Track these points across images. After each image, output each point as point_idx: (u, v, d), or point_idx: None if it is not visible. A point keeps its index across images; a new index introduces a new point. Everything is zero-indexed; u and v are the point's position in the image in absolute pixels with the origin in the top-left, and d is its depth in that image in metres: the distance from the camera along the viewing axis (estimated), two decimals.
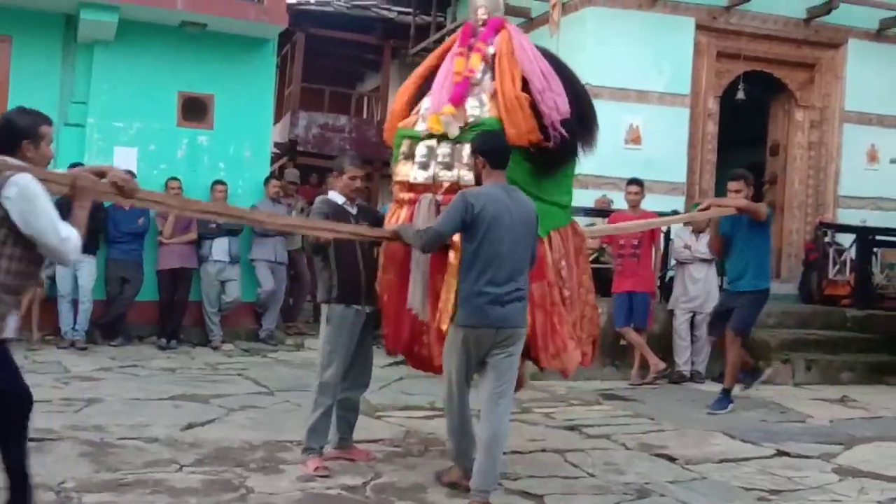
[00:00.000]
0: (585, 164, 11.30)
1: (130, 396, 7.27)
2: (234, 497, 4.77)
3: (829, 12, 11.94)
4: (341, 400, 5.53)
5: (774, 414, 7.89)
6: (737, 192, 7.72)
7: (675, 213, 9.86)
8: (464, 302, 4.74)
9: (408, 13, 15.87)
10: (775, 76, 12.38)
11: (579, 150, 5.59)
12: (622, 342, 9.38)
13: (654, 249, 9.29)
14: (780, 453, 6.37)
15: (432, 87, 5.52)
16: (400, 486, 5.07)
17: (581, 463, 5.79)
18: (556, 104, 5.20)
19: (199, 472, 5.18)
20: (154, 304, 10.40)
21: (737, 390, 8.03)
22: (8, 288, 3.78)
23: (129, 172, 10.08)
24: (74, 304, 9.86)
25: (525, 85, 5.22)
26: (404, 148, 5.49)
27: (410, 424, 6.67)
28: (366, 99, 18.94)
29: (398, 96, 5.88)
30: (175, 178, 10.50)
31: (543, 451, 6.07)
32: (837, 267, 11.59)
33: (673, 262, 9.91)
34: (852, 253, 11.49)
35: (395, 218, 5.44)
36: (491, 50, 5.42)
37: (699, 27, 11.76)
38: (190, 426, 6.30)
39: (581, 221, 10.31)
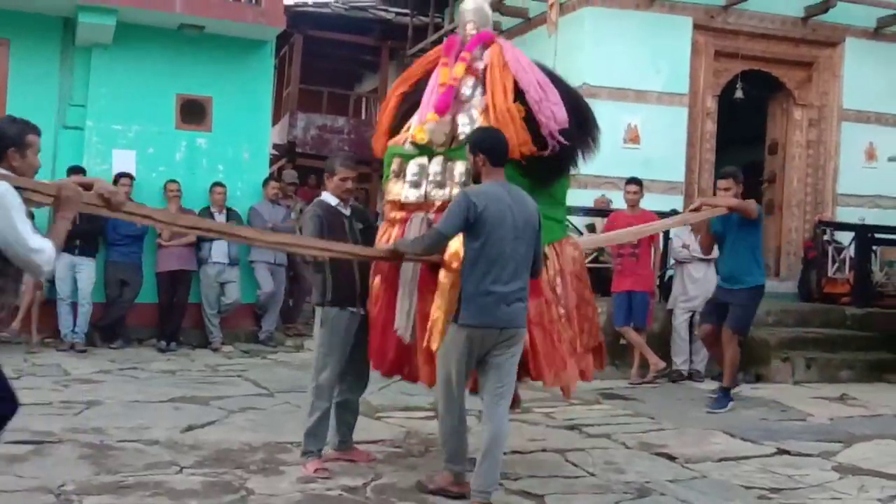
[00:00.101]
0: (584, 163, 11.40)
1: (130, 399, 7.27)
2: (234, 499, 4.77)
3: (826, 11, 11.95)
4: (340, 402, 5.53)
5: (774, 412, 7.89)
6: (726, 190, 7.72)
7: (673, 211, 9.86)
8: (468, 301, 4.68)
9: (405, 14, 15.88)
10: (773, 75, 12.39)
11: (579, 157, 5.52)
12: (622, 341, 9.38)
13: (653, 249, 9.30)
14: (781, 451, 6.37)
15: (420, 103, 5.47)
16: (400, 486, 5.07)
17: (581, 462, 5.79)
18: (554, 113, 5.15)
19: (199, 474, 5.18)
20: (153, 307, 10.40)
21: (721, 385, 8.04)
22: None
23: (128, 175, 10.27)
24: (74, 306, 9.86)
25: (518, 96, 5.16)
26: (395, 166, 5.44)
27: (411, 425, 6.67)
28: (364, 100, 18.97)
29: (384, 114, 5.78)
30: (174, 181, 10.52)
31: (544, 450, 6.07)
32: (836, 265, 11.59)
33: (672, 261, 9.91)
34: (851, 251, 11.49)
35: (386, 237, 5.38)
36: (481, 64, 5.36)
37: (697, 26, 11.77)
38: (190, 428, 6.30)
39: (580, 221, 10.44)
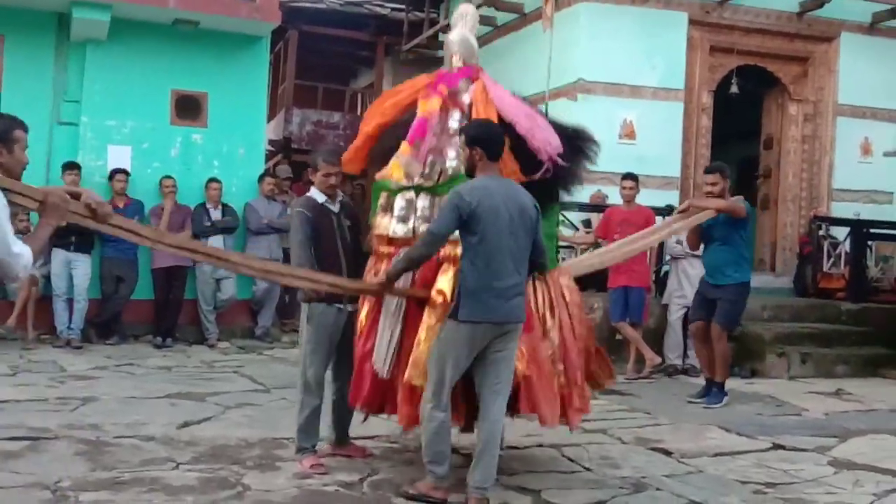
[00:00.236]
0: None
1: (126, 395, 7.27)
2: (230, 494, 4.77)
3: (821, 6, 11.97)
4: (336, 399, 5.52)
5: (770, 407, 7.91)
6: (713, 185, 7.71)
7: (668, 207, 9.87)
8: (467, 297, 4.62)
9: (401, 9, 15.84)
10: (768, 70, 12.41)
11: (572, 181, 5.48)
12: (618, 337, 9.40)
13: None
14: (776, 446, 6.38)
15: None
16: (397, 482, 5.07)
17: (577, 457, 5.80)
18: (548, 138, 5.13)
19: (195, 470, 5.18)
20: (149, 303, 10.39)
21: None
22: None
23: (124, 171, 10.26)
24: (70, 303, 9.86)
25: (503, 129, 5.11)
26: (382, 201, 5.39)
27: None
28: (359, 95, 18.89)
29: (361, 141, 5.68)
30: (169, 177, 10.51)
31: (540, 446, 6.07)
32: (832, 260, 11.61)
33: (668, 257, 9.93)
34: (847, 246, 11.51)
35: (374, 271, 5.30)
36: (467, 98, 5.33)
37: (692, 22, 11.78)
38: (186, 424, 6.30)
39: (575, 217, 10.44)
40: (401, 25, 15.61)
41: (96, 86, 10.62)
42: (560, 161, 5.13)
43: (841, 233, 11.63)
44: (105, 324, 10.23)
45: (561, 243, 10.12)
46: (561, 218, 10.10)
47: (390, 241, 5.26)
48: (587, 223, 10.52)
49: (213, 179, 10.70)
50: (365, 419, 5.51)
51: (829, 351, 9.79)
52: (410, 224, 5.15)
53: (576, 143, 5.43)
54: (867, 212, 12.15)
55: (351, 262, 5.39)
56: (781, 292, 11.83)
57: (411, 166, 5.18)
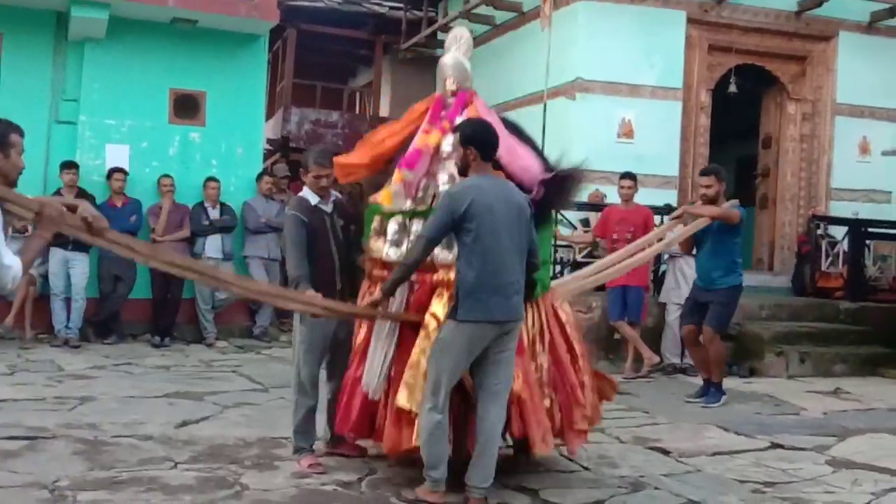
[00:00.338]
0: (578, 158, 11.39)
1: (124, 394, 7.26)
2: (228, 494, 4.76)
3: (820, 5, 11.98)
4: (331, 399, 5.50)
5: (768, 406, 7.91)
6: (707, 187, 7.71)
7: (667, 206, 9.88)
8: (466, 297, 4.59)
9: (399, 8, 15.84)
10: (767, 69, 12.42)
11: (560, 202, 5.47)
12: (616, 336, 9.41)
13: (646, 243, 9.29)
14: (774, 445, 6.38)
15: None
16: (395, 481, 5.07)
17: (576, 457, 5.79)
18: (527, 167, 5.14)
19: (193, 470, 5.18)
20: (147, 302, 10.38)
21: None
22: None
23: (122, 170, 10.24)
24: (67, 302, 9.85)
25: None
26: (375, 224, 5.38)
27: None
28: (358, 94, 18.90)
29: (365, 159, 5.65)
30: (168, 176, 10.51)
31: None
32: (830, 259, 11.62)
33: (665, 255, 9.92)
34: (845, 245, 11.51)
35: (368, 295, 5.28)
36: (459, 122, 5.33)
37: (690, 21, 11.78)
38: (184, 423, 6.29)
39: (574, 216, 10.44)
40: (399, 24, 15.61)
41: (95, 84, 10.61)
42: (538, 190, 5.12)
43: (839, 232, 11.64)
44: (103, 323, 10.22)
45: (560, 242, 10.15)
46: (559, 217, 10.12)
47: (384, 264, 5.25)
48: (585, 222, 10.51)
49: (211, 178, 10.69)
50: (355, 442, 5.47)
51: (828, 350, 9.79)
52: (403, 248, 5.12)
53: (559, 175, 5.38)
54: (865, 211, 12.16)
55: (344, 262, 5.39)
56: (780, 291, 11.85)
57: (399, 197, 5.18)
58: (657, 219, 9.34)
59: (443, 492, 4.71)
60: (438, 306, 4.86)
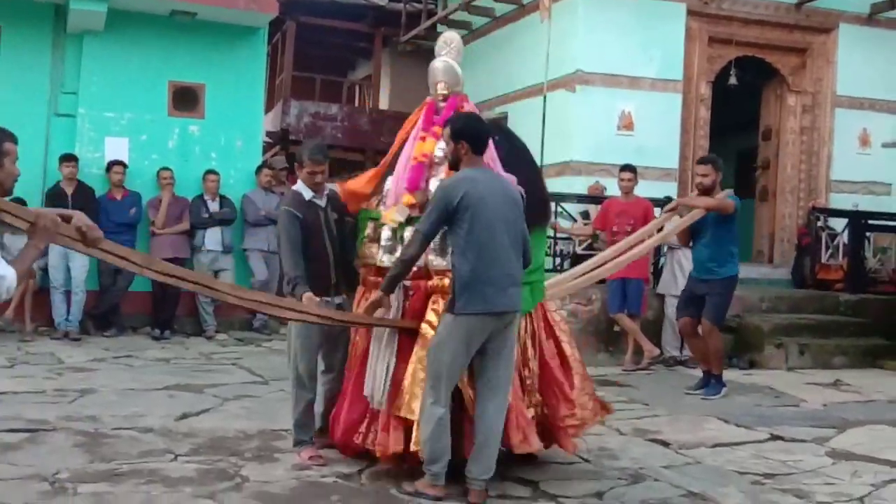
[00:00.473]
0: (578, 151, 11.47)
1: (124, 387, 7.26)
2: (229, 486, 4.77)
3: None
4: (326, 390, 5.49)
5: (768, 398, 7.92)
6: (704, 176, 7.72)
7: (667, 199, 9.87)
8: (463, 289, 4.57)
9: (399, 0, 15.83)
10: (767, 61, 12.40)
11: (535, 221, 5.45)
12: (616, 328, 9.41)
13: (646, 236, 9.28)
14: (774, 437, 6.39)
15: (395, 168, 5.42)
16: (395, 473, 5.06)
17: (576, 451, 5.79)
18: None
19: (193, 462, 5.18)
20: (147, 295, 10.37)
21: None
22: None
23: (121, 163, 10.23)
24: (67, 295, 9.85)
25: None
26: (369, 230, 5.40)
27: None
28: (357, 87, 18.91)
29: (369, 179, 5.68)
30: (167, 168, 10.50)
31: None
32: (830, 251, 11.61)
33: (664, 248, 9.92)
34: (845, 237, 11.51)
35: (363, 301, 5.28)
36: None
37: (690, 13, 11.76)
38: (184, 416, 6.29)
39: (573, 208, 10.44)
40: (398, 16, 15.60)
41: (93, 77, 10.60)
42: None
43: (839, 224, 11.63)
44: (103, 316, 10.22)
45: (560, 235, 10.15)
46: (559, 209, 10.13)
47: (378, 270, 5.26)
48: (585, 215, 10.51)
49: (210, 171, 10.69)
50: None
51: (828, 342, 9.80)
52: (397, 254, 5.12)
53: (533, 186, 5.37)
54: (865, 203, 12.15)
55: (339, 256, 5.39)
56: (780, 284, 11.85)
57: (403, 214, 5.18)
58: (657, 211, 9.32)
59: (442, 485, 4.71)
60: (434, 316, 4.86)
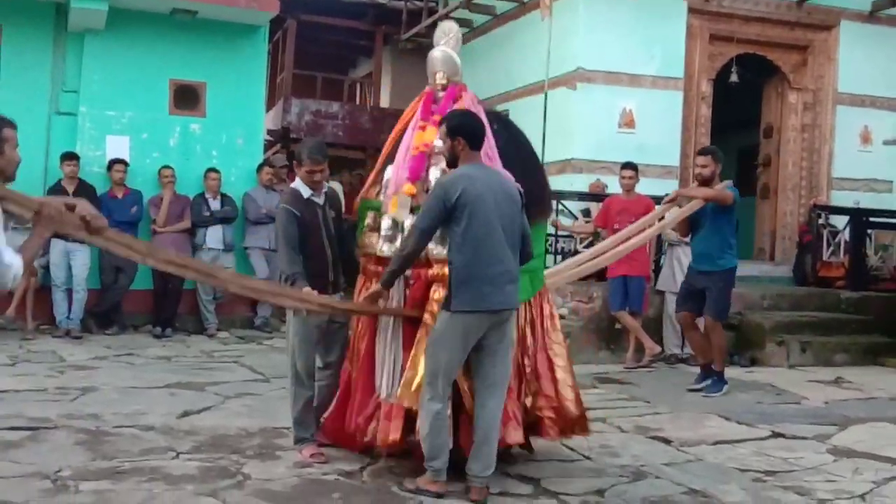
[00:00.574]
0: (579, 148, 11.46)
1: (126, 385, 7.27)
2: (230, 483, 4.77)
3: None
4: (322, 385, 5.49)
5: (769, 396, 7.92)
6: (704, 167, 7.76)
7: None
8: (459, 287, 4.59)
9: None
10: (768, 59, 12.39)
11: (534, 214, 5.44)
12: (617, 326, 9.41)
13: None
14: (775, 435, 6.39)
15: (396, 157, 5.42)
16: (397, 471, 5.08)
17: (577, 446, 5.79)
18: None
19: (195, 460, 5.19)
20: (149, 293, 10.39)
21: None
22: None
23: (122, 161, 10.24)
24: (69, 293, 9.85)
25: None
26: (369, 220, 5.40)
27: None
28: (358, 85, 18.88)
29: (372, 175, 5.70)
30: (168, 167, 10.50)
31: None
32: (831, 249, 11.61)
33: (665, 244, 9.92)
34: (846, 235, 11.51)
35: (364, 290, 5.29)
36: None
37: (691, 10, 11.76)
38: (186, 414, 6.30)
39: (575, 206, 10.44)
40: (399, 14, 15.58)
41: (95, 76, 10.60)
42: None
43: (840, 221, 11.63)
44: (104, 314, 10.23)
45: (561, 232, 10.15)
46: (560, 207, 10.13)
47: (378, 260, 5.26)
48: (586, 212, 10.51)
49: (211, 169, 10.69)
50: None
51: (829, 339, 9.79)
52: (397, 243, 5.12)
53: (528, 182, 5.36)
54: (867, 200, 12.16)
55: (336, 254, 5.40)
56: (781, 281, 11.85)
57: (402, 211, 5.17)
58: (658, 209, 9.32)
59: (444, 481, 4.71)
60: (435, 305, 4.86)
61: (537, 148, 6.40)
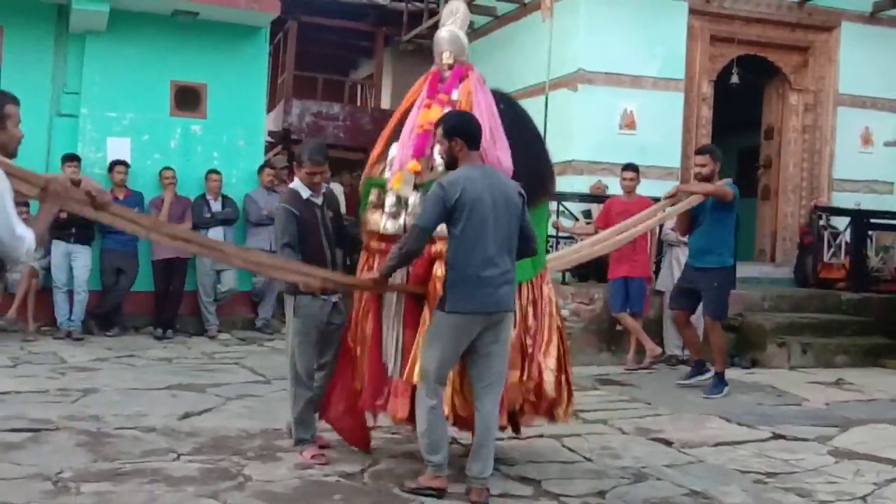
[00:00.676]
0: (580, 150, 11.46)
1: (127, 386, 7.27)
2: (231, 485, 4.78)
3: None
4: (317, 387, 5.50)
5: (770, 397, 7.92)
6: (702, 166, 7.79)
7: None
8: (453, 287, 4.63)
9: (400, 0, 15.81)
10: (769, 60, 12.38)
11: (538, 196, 5.38)
12: (618, 327, 9.40)
13: (649, 235, 9.29)
14: (776, 436, 6.39)
15: (401, 135, 5.42)
16: (397, 472, 5.08)
17: (578, 448, 5.80)
18: (499, 160, 5.09)
19: (196, 461, 5.19)
20: (150, 295, 10.39)
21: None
22: None
23: (123, 163, 10.24)
24: (70, 294, 9.86)
25: None
26: (373, 197, 5.40)
27: None
28: (359, 86, 18.87)
29: (376, 146, 5.71)
30: (169, 168, 10.50)
31: (541, 436, 6.07)
32: (832, 250, 11.61)
33: (665, 245, 9.91)
34: (847, 236, 11.50)
35: (367, 267, 5.32)
36: (455, 95, 5.33)
37: (692, 11, 11.74)
38: (187, 415, 6.30)
39: (576, 207, 10.44)
40: (400, 16, 15.58)
41: (96, 77, 10.60)
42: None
43: (841, 223, 11.63)
44: (105, 315, 10.23)
45: (561, 234, 10.15)
46: (561, 209, 10.12)
47: (381, 237, 5.27)
48: (587, 214, 10.51)
49: (212, 171, 10.70)
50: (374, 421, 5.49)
51: (830, 341, 9.79)
52: (401, 220, 5.15)
53: (531, 164, 5.35)
54: (867, 202, 12.14)
55: (335, 254, 5.45)
56: (782, 282, 11.85)
57: (406, 187, 5.17)
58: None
59: (445, 476, 4.74)
60: (439, 283, 4.86)
61: None
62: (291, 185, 5.57)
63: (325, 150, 5.57)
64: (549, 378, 5.24)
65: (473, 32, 13.43)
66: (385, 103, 17.09)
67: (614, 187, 10.13)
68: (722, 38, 11.97)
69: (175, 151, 10.92)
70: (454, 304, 4.63)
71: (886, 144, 12.33)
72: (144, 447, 5.44)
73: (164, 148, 10.87)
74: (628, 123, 11.42)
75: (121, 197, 10.14)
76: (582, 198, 10.57)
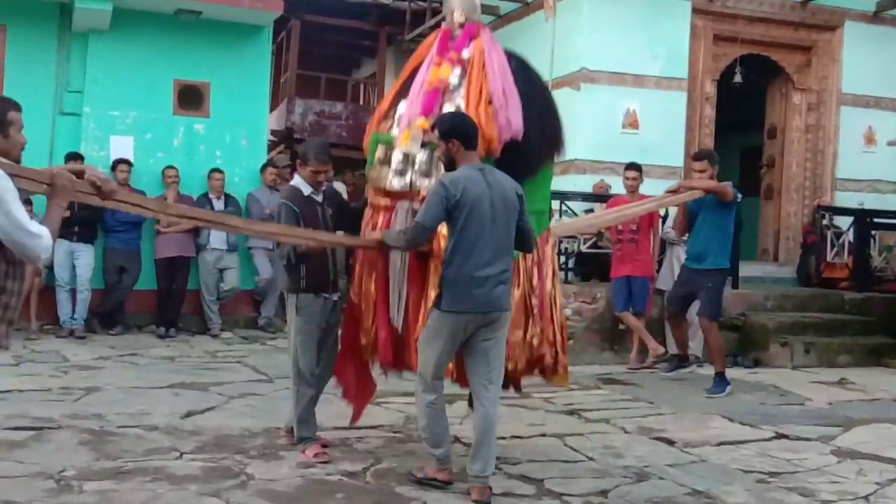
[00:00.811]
0: (583, 149, 11.45)
1: (130, 385, 7.28)
2: (234, 484, 4.78)
3: None
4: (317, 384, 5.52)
5: (773, 397, 7.91)
6: (701, 171, 7.81)
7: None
8: (449, 286, 4.67)
9: None
10: (772, 59, 12.36)
11: (548, 155, 5.43)
12: (621, 327, 9.40)
13: (652, 234, 9.30)
14: (779, 436, 6.38)
15: (409, 92, 5.41)
16: (400, 471, 5.08)
17: (580, 447, 5.80)
18: (510, 121, 5.09)
19: (199, 460, 5.19)
20: (152, 293, 10.40)
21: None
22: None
23: (126, 162, 10.25)
24: (73, 293, 9.87)
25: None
26: (380, 153, 5.39)
27: (410, 410, 6.64)
28: (362, 85, 18.89)
29: (382, 102, 5.74)
30: (172, 167, 10.51)
31: (543, 435, 6.08)
32: (835, 250, 11.60)
33: (666, 243, 9.90)
34: (850, 236, 11.49)
35: (371, 224, 5.35)
36: (466, 54, 5.32)
37: (695, 10, 11.73)
38: (189, 414, 6.31)
39: (578, 207, 10.43)
40: (403, 15, 15.58)
41: (99, 76, 10.61)
42: (496, 148, 5.11)
43: (844, 222, 11.62)
44: (108, 314, 10.24)
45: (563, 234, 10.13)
46: (564, 208, 10.12)
47: (387, 193, 5.30)
48: (590, 213, 10.49)
49: (215, 170, 10.71)
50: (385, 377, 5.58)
51: (833, 340, 9.78)
52: (407, 178, 5.18)
53: (544, 123, 5.38)
54: (871, 201, 12.13)
55: (336, 252, 5.45)
56: (785, 282, 11.84)
57: (415, 144, 5.18)
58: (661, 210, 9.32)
59: (450, 469, 4.79)
60: (443, 241, 4.87)
61: None
62: (292, 183, 5.60)
63: (329, 148, 5.59)
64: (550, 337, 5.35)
65: None
66: None
67: (617, 187, 10.12)
68: (725, 37, 11.96)
69: (178, 150, 10.92)
70: (449, 303, 4.68)
71: (890, 144, 12.31)
72: (147, 446, 5.45)
73: (167, 147, 10.88)
74: (631, 123, 11.41)
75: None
76: (585, 197, 10.56)
